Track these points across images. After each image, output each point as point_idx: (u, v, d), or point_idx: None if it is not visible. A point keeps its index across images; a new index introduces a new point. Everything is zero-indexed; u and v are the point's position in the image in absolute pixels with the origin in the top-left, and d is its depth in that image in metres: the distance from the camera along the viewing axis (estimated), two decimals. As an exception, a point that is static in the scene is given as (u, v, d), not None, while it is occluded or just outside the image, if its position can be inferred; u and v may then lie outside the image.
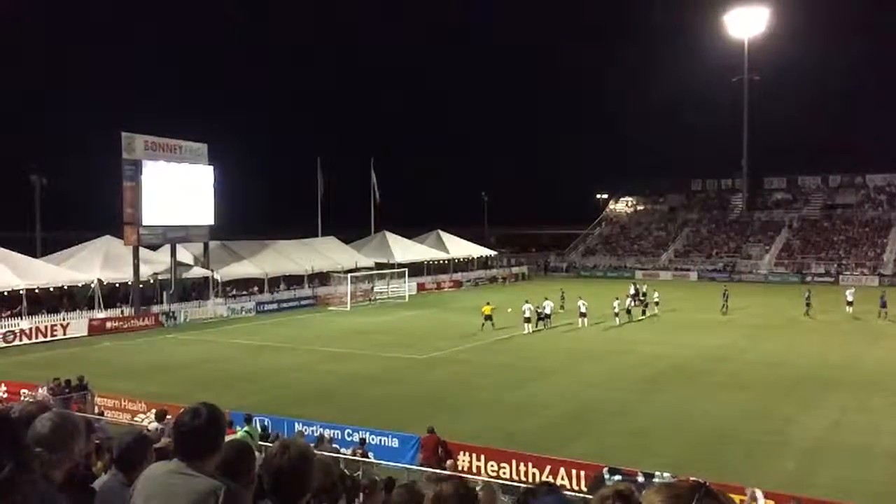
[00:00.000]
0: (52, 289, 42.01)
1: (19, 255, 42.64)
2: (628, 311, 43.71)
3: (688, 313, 47.63)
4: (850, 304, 45.65)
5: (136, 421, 20.60)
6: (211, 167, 50.05)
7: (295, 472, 3.13)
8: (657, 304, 47.17)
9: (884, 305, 44.28)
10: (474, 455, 18.03)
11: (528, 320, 40.02)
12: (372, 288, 56.27)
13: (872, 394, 25.81)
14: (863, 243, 75.10)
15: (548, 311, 41.41)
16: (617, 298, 43.46)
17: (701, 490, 1.85)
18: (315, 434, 18.85)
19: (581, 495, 14.10)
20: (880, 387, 26.86)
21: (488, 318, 40.08)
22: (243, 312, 48.20)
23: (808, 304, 45.57)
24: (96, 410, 22.09)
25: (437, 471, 15.61)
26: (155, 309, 44.92)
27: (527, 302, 40.84)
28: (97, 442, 9.82)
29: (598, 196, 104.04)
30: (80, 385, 23.56)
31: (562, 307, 46.92)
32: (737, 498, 14.66)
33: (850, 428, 21.76)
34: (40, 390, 23.08)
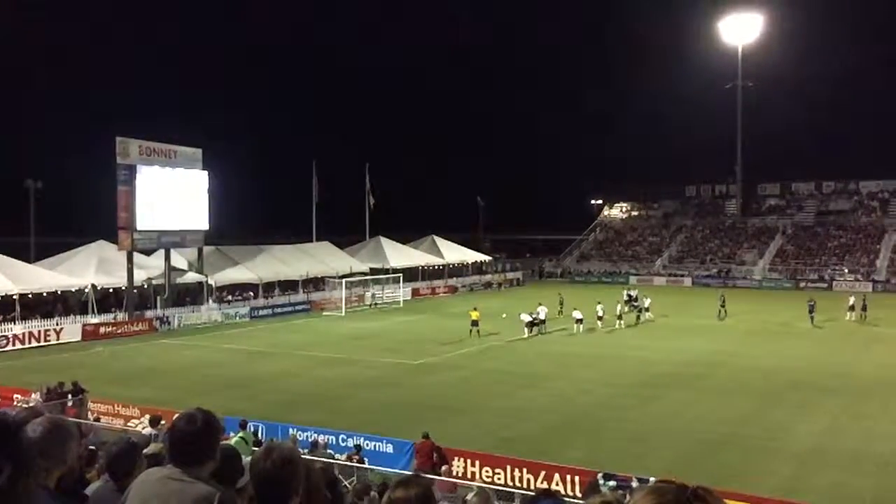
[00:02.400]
0: (45, 294, 41.88)
1: (13, 259, 42.53)
2: (619, 317, 43.70)
3: (682, 318, 47.68)
4: (851, 308, 46.60)
5: (129, 426, 20.51)
6: (205, 172, 50.03)
7: (279, 477, 3.10)
8: (647, 309, 47.20)
9: (864, 308, 46.24)
10: (469, 460, 18.01)
11: (528, 325, 40.11)
12: (372, 294, 56.21)
13: (866, 399, 25.87)
14: (856, 249, 75.35)
15: (542, 316, 41.46)
16: (599, 303, 43.41)
17: (688, 493, 1.83)
18: (310, 439, 18.80)
19: (576, 501, 14.08)
20: (874, 392, 26.93)
21: (475, 323, 40.07)
22: (237, 317, 48.10)
23: (811, 314, 44.31)
24: (90, 416, 22.01)
25: (410, 473, 15.60)
26: (149, 314, 44.79)
27: (523, 313, 41.06)
28: (91, 448, 9.78)
29: (593, 202, 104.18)
30: (74, 389, 23.47)
31: (560, 312, 46.91)
32: (730, 503, 14.67)
33: (845, 433, 21.81)
34: (33, 395, 22.99)
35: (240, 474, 3.68)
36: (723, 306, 48.05)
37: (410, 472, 16.28)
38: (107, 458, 4.25)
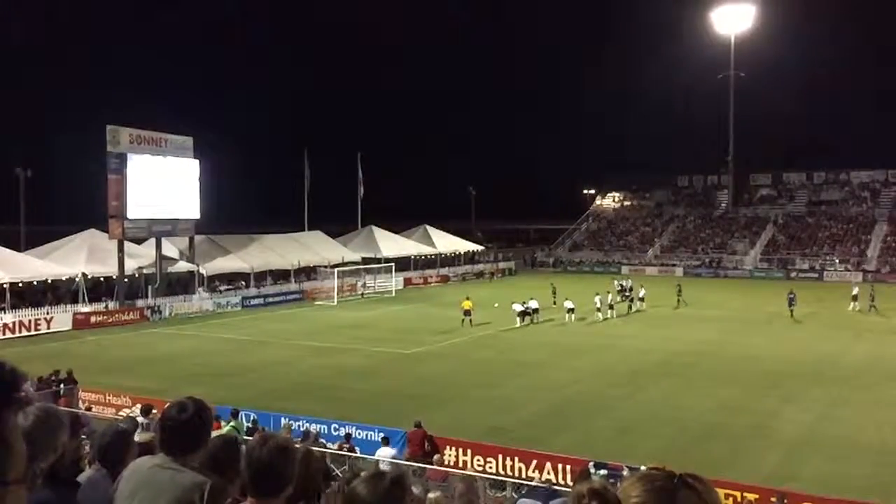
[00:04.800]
0: (36, 282, 41.70)
1: (3, 248, 42.32)
2: (611, 307, 43.77)
3: (672, 308, 47.77)
4: (854, 298, 46.41)
5: (120, 416, 20.49)
6: (196, 160, 49.82)
7: (274, 466, 3.11)
8: (642, 299, 47.37)
9: (872, 299, 45.82)
10: (461, 449, 18.06)
11: (520, 314, 40.14)
12: (363, 283, 56.20)
13: (856, 388, 26.03)
14: (847, 240, 75.66)
15: (534, 306, 41.49)
16: (598, 294, 43.48)
17: (677, 480, 1.83)
18: (301, 429, 18.82)
19: (568, 490, 14.15)
20: (864, 381, 27.11)
21: (467, 313, 40.05)
22: (229, 307, 48.02)
23: (791, 307, 42.97)
24: (81, 405, 21.97)
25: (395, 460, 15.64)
26: (140, 303, 44.67)
27: (515, 302, 41.14)
28: (83, 437, 9.76)
29: (585, 191, 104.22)
30: (68, 378, 23.43)
31: (554, 302, 46.92)
32: (720, 492, 14.77)
33: (834, 422, 21.95)
34: (24, 385, 22.91)
35: (236, 462, 3.69)
36: (679, 295, 48.25)
37: (402, 462, 16.31)
38: (97, 447, 4.25)
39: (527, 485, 13.24)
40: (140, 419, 16.10)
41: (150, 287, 46.46)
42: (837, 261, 71.57)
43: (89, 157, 50.63)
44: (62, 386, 22.91)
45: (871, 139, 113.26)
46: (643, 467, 1.92)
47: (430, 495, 9.18)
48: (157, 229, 46.80)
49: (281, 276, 54.82)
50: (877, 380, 27.36)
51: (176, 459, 3.26)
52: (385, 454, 16.20)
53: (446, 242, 71.36)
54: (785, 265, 72.96)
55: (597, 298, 42.85)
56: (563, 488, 14.54)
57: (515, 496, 12.90)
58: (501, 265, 76.80)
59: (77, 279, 42.70)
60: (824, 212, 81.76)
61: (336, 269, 53.73)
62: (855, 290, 47.20)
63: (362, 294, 55.26)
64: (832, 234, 77.31)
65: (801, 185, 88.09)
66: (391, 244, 64.19)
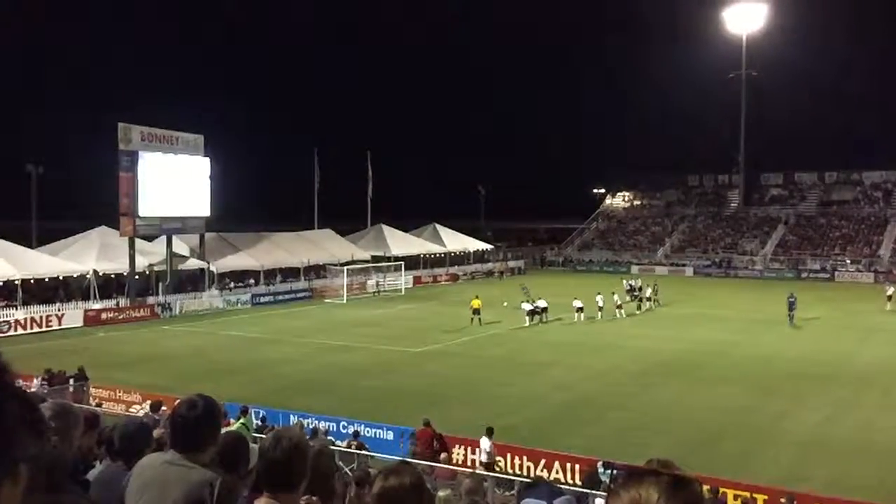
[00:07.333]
0: (47, 279, 41.92)
1: (15, 245, 42.53)
2: (619, 307, 43.58)
3: (683, 308, 47.65)
4: (890, 298, 46.19)
5: (131, 412, 20.61)
6: (207, 158, 50.00)
7: (289, 464, 3.14)
8: (649, 299, 47.22)
9: (890, 299, 45.68)
10: (469, 448, 18.08)
11: (529, 313, 40.06)
12: (376, 282, 56.31)
13: (865, 389, 25.90)
14: (858, 240, 75.25)
15: (543, 305, 41.38)
16: (599, 293, 43.20)
17: (669, 480, 1.62)
18: (310, 426, 18.87)
19: (575, 489, 14.14)
20: (873, 382, 26.96)
21: (476, 311, 40.02)
22: (239, 304, 48.17)
23: (791, 311, 40.09)
24: (92, 402, 22.09)
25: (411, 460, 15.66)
26: (150, 300, 44.86)
27: (524, 301, 41.04)
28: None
29: (595, 191, 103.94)
30: (78, 374, 23.56)
31: (528, 300, 45.00)
32: (730, 493, 14.74)
33: (843, 423, 21.84)
34: (35, 381, 23.07)
35: (245, 459, 3.71)
36: (655, 294, 48.06)
37: (411, 460, 16.34)
38: (119, 439, 4.28)
39: (527, 480, 13.14)
40: (151, 416, 16.18)
41: (160, 284, 46.66)
42: (849, 261, 71.18)
43: (101, 155, 50.86)
44: (71, 381, 23.05)
45: (883, 139, 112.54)
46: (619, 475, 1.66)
47: (440, 494, 9.18)
48: (168, 227, 46.99)
49: (291, 273, 54.96)
50: (889, 381, 27.20)
51: (186, 456, 3.28)
52: (484, 445, 17.17)
53: (456, 241, 71.36)
54: (796, 265, 72.61)
55: (598, 298, 42.68)
56: (572, 487, 14.55)
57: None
58: (511, 264, 76.72)
59: (88, 276, 42.91)
60: (836, 212, 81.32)
61: (345, 268, 53.84)
62: (889, 291, 46.85)
63: (374, 292, 55.33)
64: (844, 234, 76.90)
65: (812, 185, 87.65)
66: (401, 242, 64.27)
